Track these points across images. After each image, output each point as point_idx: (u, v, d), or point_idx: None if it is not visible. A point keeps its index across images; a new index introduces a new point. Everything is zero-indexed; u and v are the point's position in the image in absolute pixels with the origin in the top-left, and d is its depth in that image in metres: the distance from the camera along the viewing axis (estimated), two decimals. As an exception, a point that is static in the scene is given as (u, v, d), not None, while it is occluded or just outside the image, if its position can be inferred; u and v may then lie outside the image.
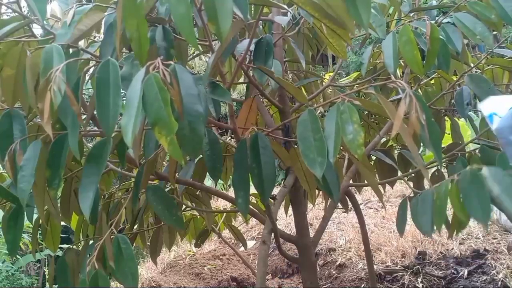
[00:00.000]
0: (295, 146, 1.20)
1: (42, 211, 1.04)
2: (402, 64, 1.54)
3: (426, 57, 1.20)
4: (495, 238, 2.68)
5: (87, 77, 0.93)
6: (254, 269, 2.16)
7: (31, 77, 0.87)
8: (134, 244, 1.60)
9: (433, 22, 1.23)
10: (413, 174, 1.56)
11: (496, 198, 0.88)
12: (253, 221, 3.68)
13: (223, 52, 0.96)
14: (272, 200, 1.30)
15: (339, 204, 1.67)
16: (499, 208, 0.92)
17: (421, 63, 1.13)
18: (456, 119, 1.74)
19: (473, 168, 0.94)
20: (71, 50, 0.92)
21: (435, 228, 1.05)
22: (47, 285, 3.86)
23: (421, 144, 1.39)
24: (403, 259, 2.60)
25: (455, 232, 1.10)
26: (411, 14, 1.44)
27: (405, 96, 0.79)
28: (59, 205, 1.20)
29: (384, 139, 1.65)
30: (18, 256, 3.59)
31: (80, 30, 0.89)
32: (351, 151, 0.82)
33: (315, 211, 3.67)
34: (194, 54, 1.61)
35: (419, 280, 2.41)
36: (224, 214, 1.96)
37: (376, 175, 1.69)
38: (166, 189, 1.36)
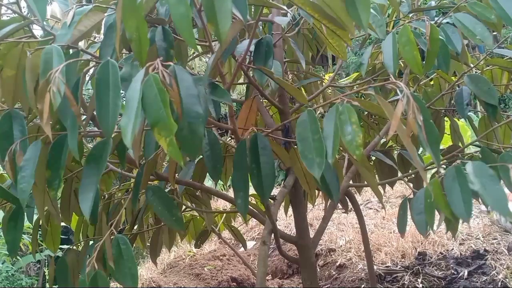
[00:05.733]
0: (295, 146, 1.20)
1: (42, 211, 1.04)
2: (402, 64, 1.54)
3: (426, 57, 1.20)
4: (495, 239, 2.68)
5: (87, 78, 0.93)
6: (254, 270, 2.15)
7: (31, 78, 0.87)
8: (134, 245, 1.60)
9: (432, 22, 1.23)
10: (413, 175, 1.56)
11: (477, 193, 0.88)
12: (253, 221, 3.67)
13: (222, 53, 0.96)
14: (272, 201, 1.31)
15: (339, 204, 1.67)
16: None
17: (421, 64, 1.13)
18: (456, 120, 1.74)
19: (459, 164, 0.94)
20: (71, 51, 0.92)
21: (428, 228, 1.06)
22: (47, 285, 3.86)
23: (421, 144, 1.38)
24: (403, 260, 2.60)
25: (453, 231, 1.10)
26: (410, 15, 1.44)
27: (402, 96, 0.79)
28: (59, 205, 1.20)
29: (384, 140, 1.65)
30: (18, 257, 3.58)
31: (80, 31, 0.90)
32: (349, 152, 0.82)
33: (315, 212, 3.67)
34: (194, 55, 1.61)
35: (419, 280, 2.41)
36: (224, 214, 1.97)
37: (376, 175, 1.69)
38: (166, 190, 1.36)
